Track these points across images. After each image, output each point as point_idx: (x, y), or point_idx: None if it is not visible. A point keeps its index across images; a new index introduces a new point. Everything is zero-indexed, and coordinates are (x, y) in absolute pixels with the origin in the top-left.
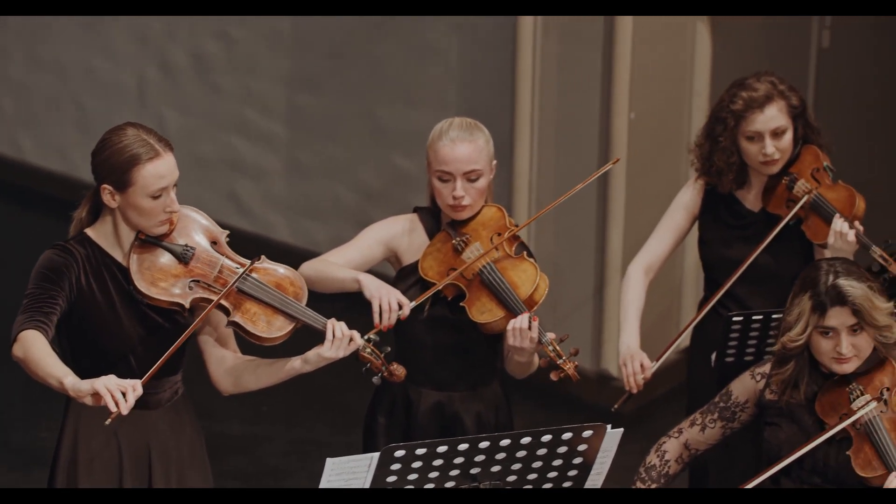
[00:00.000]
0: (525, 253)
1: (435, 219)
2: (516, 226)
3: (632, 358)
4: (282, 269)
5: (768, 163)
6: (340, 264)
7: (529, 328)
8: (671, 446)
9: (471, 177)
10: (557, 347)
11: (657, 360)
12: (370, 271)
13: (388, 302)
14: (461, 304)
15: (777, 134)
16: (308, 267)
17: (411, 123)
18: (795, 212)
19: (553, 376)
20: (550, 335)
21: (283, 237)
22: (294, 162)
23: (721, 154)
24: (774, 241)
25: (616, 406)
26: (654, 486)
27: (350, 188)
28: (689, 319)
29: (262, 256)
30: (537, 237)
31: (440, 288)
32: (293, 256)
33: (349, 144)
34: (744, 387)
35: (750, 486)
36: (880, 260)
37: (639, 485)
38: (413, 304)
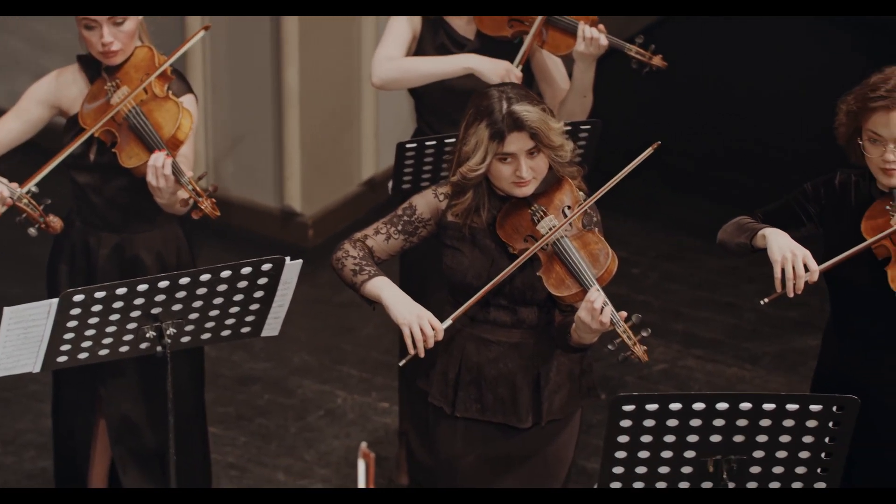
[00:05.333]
0: (171, 92)
1: (95, 67)
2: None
3: (507, 71)
4: None
5: None
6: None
7: (163, 167)
8: (367, 245)
9: (116, 20)
10: (197, 186)
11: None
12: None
13: None
14: (112, 150)
15: None
16: None
17: None
18: (535, 30)
19: (194, 215)
20: (190, 174)
21: None
22: None
23: None
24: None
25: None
26: (375, 270)
27: (23, 40)
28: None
29: None
30: (213, 81)
31: (97, 136)
32: None
33: None
34: (427, 204)
35: (453, 317)
36: (638, 56)
37: (361, 277)
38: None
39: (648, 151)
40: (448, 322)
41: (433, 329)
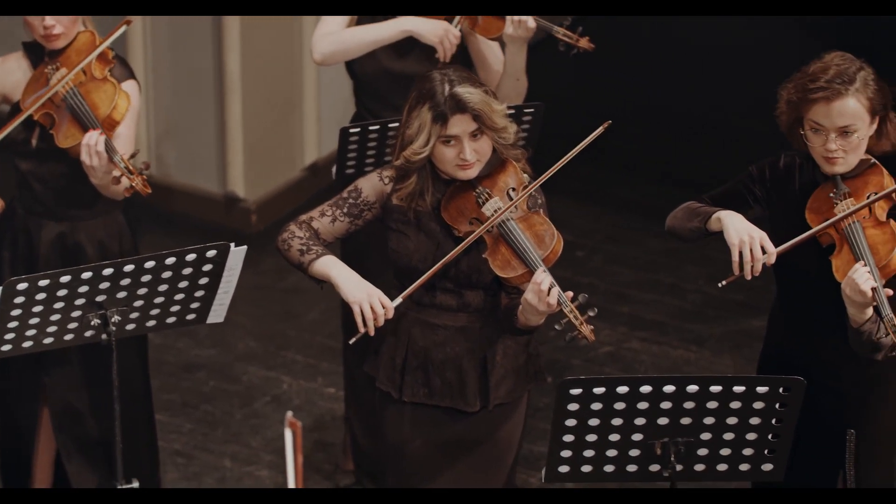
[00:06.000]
0: (110, 73)
1: (39, 52)
2: (110, 49)
3: (445, 31)
4: None
5: None
6: None
7: (96, 144)
8: (312, 227)
9: None
10: (129, 164)
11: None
12: None
13: None
14: (50, 131)
15: None
16: None
17: None
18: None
19: (126, 193)
20: (122, 154)
21: None
22: None
23: None
24: (431, 48)
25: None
26: (322, 250)
27: None
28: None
29: None
30: (155, 66)
31: (37, 118)
32: None
33: None
34: (372, 187)
35: (403, 295)
36: (565, 38)
37: (309, 256)
38: None
39: (599, 130)
40: (398, 301)
41: (383, 307)
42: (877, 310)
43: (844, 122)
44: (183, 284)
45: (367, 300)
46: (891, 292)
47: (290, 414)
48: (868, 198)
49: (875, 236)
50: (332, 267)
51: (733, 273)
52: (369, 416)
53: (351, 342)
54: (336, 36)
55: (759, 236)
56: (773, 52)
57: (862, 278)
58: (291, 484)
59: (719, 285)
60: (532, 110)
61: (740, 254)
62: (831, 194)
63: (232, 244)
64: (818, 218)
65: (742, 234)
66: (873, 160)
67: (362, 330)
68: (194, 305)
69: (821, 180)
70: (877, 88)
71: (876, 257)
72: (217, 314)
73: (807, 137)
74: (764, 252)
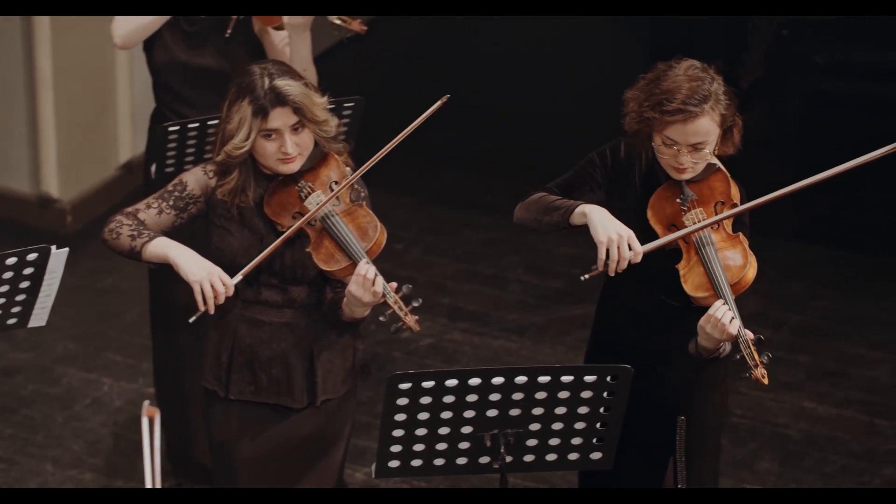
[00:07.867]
0: None
1: None
2: None
3: None
4: None
5: None
6: None
7: None
8: (139, 217)
9: None
10: None
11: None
12: None
13: None
14: None
15: None
16: None
17: None
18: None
19: None
20: None
21: None
22: None
23: None
24: (225, 42)
25: None
26: (154, 233)
27: None
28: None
29: None
30: None
31: None
32: None
33: None
34: (196, 181)
35: (242, 272)
36: (338, 22)
37: (141, 240)
38: None
39: (438, 105)
40: (238, 278)
41: (224, 285)
42: (736, 346)
43: (698, 140)
44: (3, 289)
45: (208, 278)
46: (752, 335)
47: (147, 403)
48: (716, 207)
49: (725, 251)
50: (168, 247)
51: (596, 268)
52: (179, 415)
53: (191, 321)
54: (129, 17)
55: (627, 235)
56: (584, 47)
57: (727, 318)
58: (148, 474)
59: (582, 279)
60: (353, 104)
61: (607, 251)
62: (678, 199)
63: (53, 246)
64: (663, 221)
65: (610, 233)
66: (718, 165)
67: (202, 308)
68: (15, 310)
69: (663, 178)
70: (728, 101)
71: (728, 274)
72: (39, 318)
73: (658, 150)
74: (630, 249)
